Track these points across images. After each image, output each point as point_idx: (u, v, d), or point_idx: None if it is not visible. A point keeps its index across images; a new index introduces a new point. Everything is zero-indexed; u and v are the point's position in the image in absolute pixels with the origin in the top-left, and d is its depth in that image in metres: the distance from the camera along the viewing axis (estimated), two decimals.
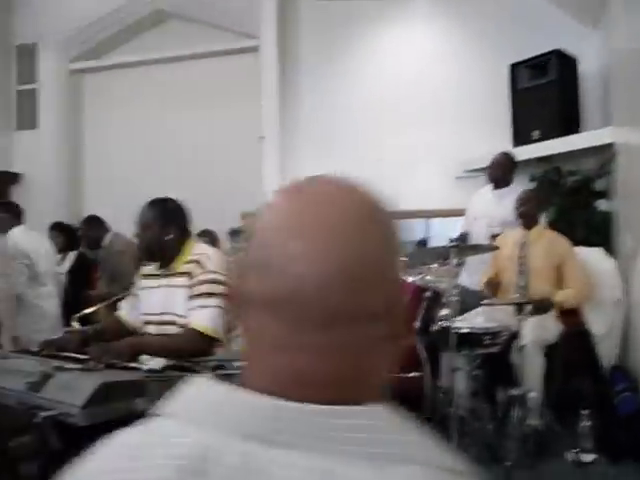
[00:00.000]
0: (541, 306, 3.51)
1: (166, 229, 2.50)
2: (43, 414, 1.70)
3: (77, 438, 1.97)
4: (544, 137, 5.07)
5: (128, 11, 7.32)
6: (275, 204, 0.68)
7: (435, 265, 3.85)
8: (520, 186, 4.44)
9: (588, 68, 5.28)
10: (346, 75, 6.31)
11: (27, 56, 7.55)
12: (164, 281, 2.54)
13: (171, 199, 2.63)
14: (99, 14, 7.31)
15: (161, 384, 1.98)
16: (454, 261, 4.34)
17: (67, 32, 7.44)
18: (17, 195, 7.40)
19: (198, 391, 0.65)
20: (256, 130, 6.48)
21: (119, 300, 3.73)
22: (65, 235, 5.20)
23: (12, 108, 7.55)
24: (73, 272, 5.01)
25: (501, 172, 4.44)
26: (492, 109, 5.59)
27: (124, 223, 5.61)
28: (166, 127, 7.24)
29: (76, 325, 3.32)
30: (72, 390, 1.79)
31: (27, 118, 7.51)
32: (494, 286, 3.91)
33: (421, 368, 3.48)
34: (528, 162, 5.05)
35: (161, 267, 2.58)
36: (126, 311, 2.74)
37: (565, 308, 3.72)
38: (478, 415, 3.48)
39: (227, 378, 1.84)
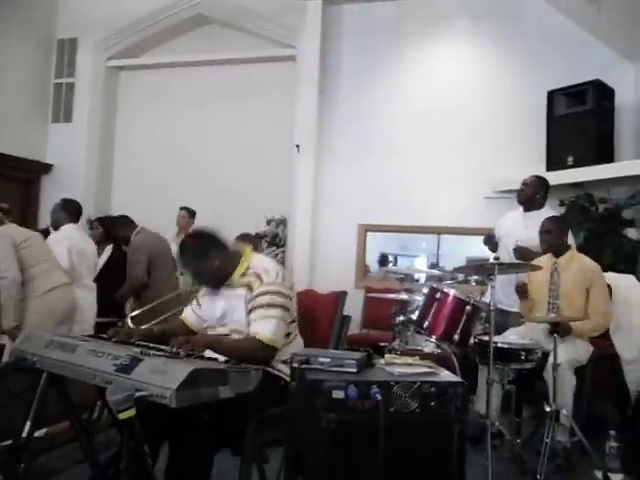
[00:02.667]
0: (560, 329, 3.59)
1: (206, 262, 2.57)
2: (138, 394, 1.78)
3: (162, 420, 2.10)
4: (577, 164, 5.20)
5: (168, 13, 7.47)
6: None
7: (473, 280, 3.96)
8: (551, 210, 4.51)
9: (624, 100, 5.43)
10: (384, 90, 6.46)
11: (66, 50, 7.71)
12: (225, 292, 2.64)
13: (196, 232, 2.73)
14: (139, 14, 7.47)
15: (240, 375, 2.10)
16: (478, 279, 4.48)
17: (107, 29, 7.61)
18: (47, 185, 7.55)
19: None
20: (289, 137, 6.62)
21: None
22: (104, 228, 5.31)
23: (48, 101, 7.70)
24: (109, 265, 5.11)
25: (532, 193, 4.46)
26: (528, 133, 5.75)
27: (150, 218, 5.77)
28: (198, 129, 7.39)
29: (131, 325, 3.46)
30: (164, 374, 1.89)
31: (63, 111, 7.66)
32: (523, 291, 3.96)
33: None
34: (560, 187, 5.17)
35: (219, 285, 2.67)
36: (188, 315, 2.83)
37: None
38: (509, 429, 3.59)
39: (312, 372, 1.95)
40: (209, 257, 2.56)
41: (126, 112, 7.90)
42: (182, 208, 6.45)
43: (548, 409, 3.36)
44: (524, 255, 4.13)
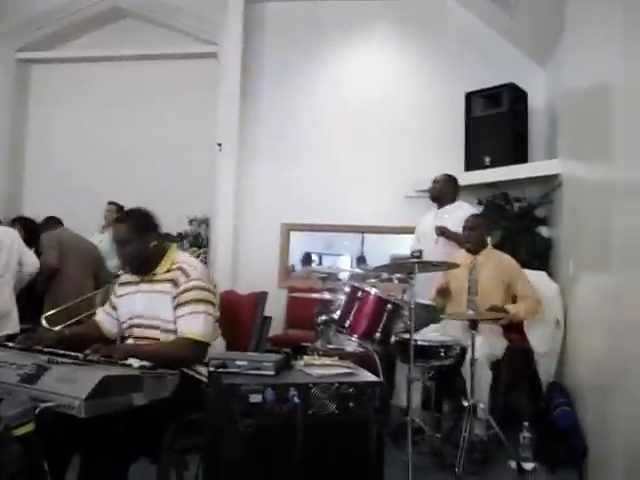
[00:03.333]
0: (496, 314, 3.74)
1: (146, 240, 2.53)
2: (43, 405, 1.69)
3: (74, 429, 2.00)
4: (494, 164, 5.37)
5: (84, 5, 7.19)
6: None
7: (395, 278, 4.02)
8: (463, 204, 4.72)
9: (536, 103, 5.64)
10: (307, 89, 6.45)
11: None
12: (145, 286, 2.57)
13: (138, 208, 2.64)
14: (53, 4, 7.16)
15: (155, 380, 2.03)
16: (400, 277, 4.57)
17: (17, 19, 7.23)
18: None
19: None
20: (212, 135, 6.50)
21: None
22: (26, 230, 5.06)
23: None
24: None
25: (441, 189, 4.74)
26: (448, 134, 5.87)
27: (66, 216, 5.54)
28: (118, 126, 7.14)
29: (45, 324, 3.29)
30: (72, 383, 1.80)
31: None
32: (444, 293, 4.11)
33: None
34: (478, 186, 5.34)
35: (142, 274, 2.60)
36: (102, 318, 2.74)
37: (516, 320, 3.97)
38: (430, 424, 3.66)
39: (229, 376, 1.91)
40: (147, 236, 2.52)
41: (39, 107, 7.52)
42: (110, 203, 6.33)
43: (466, 404, 3.46)
44: (447, 235, 4.40)
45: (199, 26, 6.85)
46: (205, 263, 6.40)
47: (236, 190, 6.34)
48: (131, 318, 2.59)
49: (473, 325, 3.52)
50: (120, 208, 6.29)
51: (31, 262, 4.37)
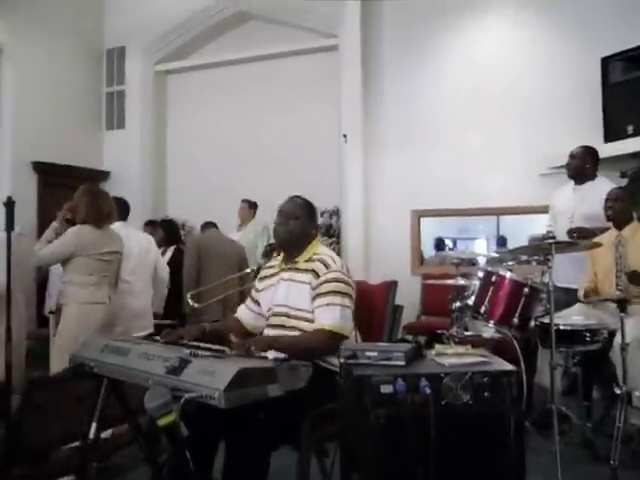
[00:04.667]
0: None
1: (310, 224, 2.66)
2: (187, 396, 1.79)
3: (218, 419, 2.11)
4: (638, 132, 4.94)
5: (210, 13, 7.56)
6: None
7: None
8: (605, 181, 4.33)
9: None
10: (429, 70, 6.33)
11: (116, 59, 7.90)
12: (286, 275, 2.65)
13: (307, 199, 2.76)
14: (182, 17, 7.59)
15: (289, 372, 2.08)
16: (539, 258, 4.32)
17: (152, 35, 7.76)
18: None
19: None
20: (337, 127, 6.57)
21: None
22: (165, 231, 5.43)
23: (102, 109, 7.92)
24: (169, 266, 5.19)
25: (580, 165, 4.33)
26: (583, 104, 5.50)
27: (207, 216, 5.84)
28: (247, 125, 7.42)
29: (191, 302, 3.49)
30: (212, 375, 1.89)
31: (116, 118, 7.86)
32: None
33: (517, 364, 3.47)
34: (619, 158, 4.96)
35: (285, 260, 2.69)
36: (243, 313, 2.85)
37: None
38: (577, 413, 3.45)
39: (359, 367, 1.91)
40: (309, 222, 2.66)
41: (176, 114, 8.03)
42: (243, 200, 6.59)
43: (619, 391, 3.22)
44: (582, 235, 3.97)
45: (319, 20, 6.94)
46: (338, 254, 6.48)
47: (364, 180, 6.37)
48: (271, 308, 2.67)
49: (622, 307, 3.26)
50: (252, 204, 6.53)
51: (164, 273, 4.84)
